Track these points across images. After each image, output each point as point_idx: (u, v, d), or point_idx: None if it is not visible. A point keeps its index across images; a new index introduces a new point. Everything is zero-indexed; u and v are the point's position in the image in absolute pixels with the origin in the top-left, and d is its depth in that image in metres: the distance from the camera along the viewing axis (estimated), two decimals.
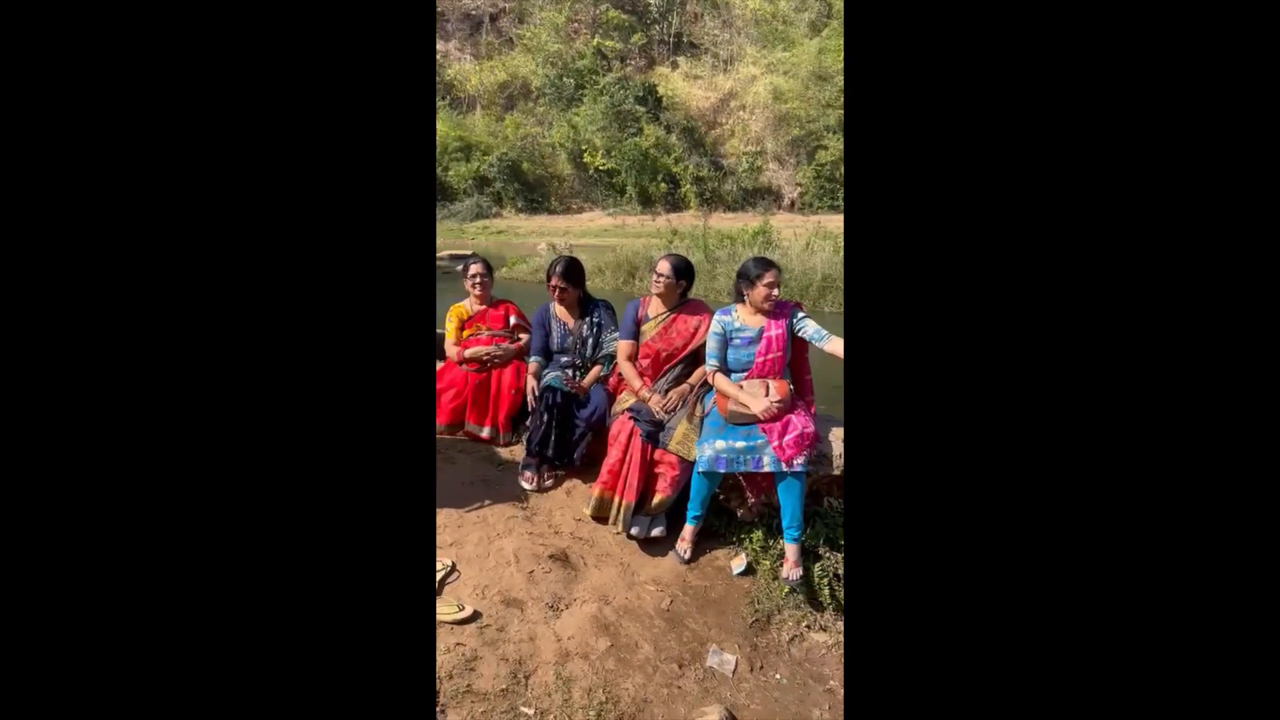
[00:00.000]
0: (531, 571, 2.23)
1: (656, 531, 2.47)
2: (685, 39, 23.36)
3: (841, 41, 18.22)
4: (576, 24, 24.80)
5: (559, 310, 2.94)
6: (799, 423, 2.28)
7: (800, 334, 2.45)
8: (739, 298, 2.51)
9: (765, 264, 2.45)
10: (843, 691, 2.02)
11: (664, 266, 2.64)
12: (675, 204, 20.09)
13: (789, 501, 2.28)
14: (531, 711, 1.77)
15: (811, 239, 11.03)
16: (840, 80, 16.82)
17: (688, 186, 19.15)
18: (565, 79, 23.67)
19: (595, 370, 2.84)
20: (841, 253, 10.03)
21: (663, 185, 20.33)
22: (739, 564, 2.41)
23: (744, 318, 2.49)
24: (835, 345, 2.36)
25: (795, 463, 2.23)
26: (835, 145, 15.81)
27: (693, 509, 2.41)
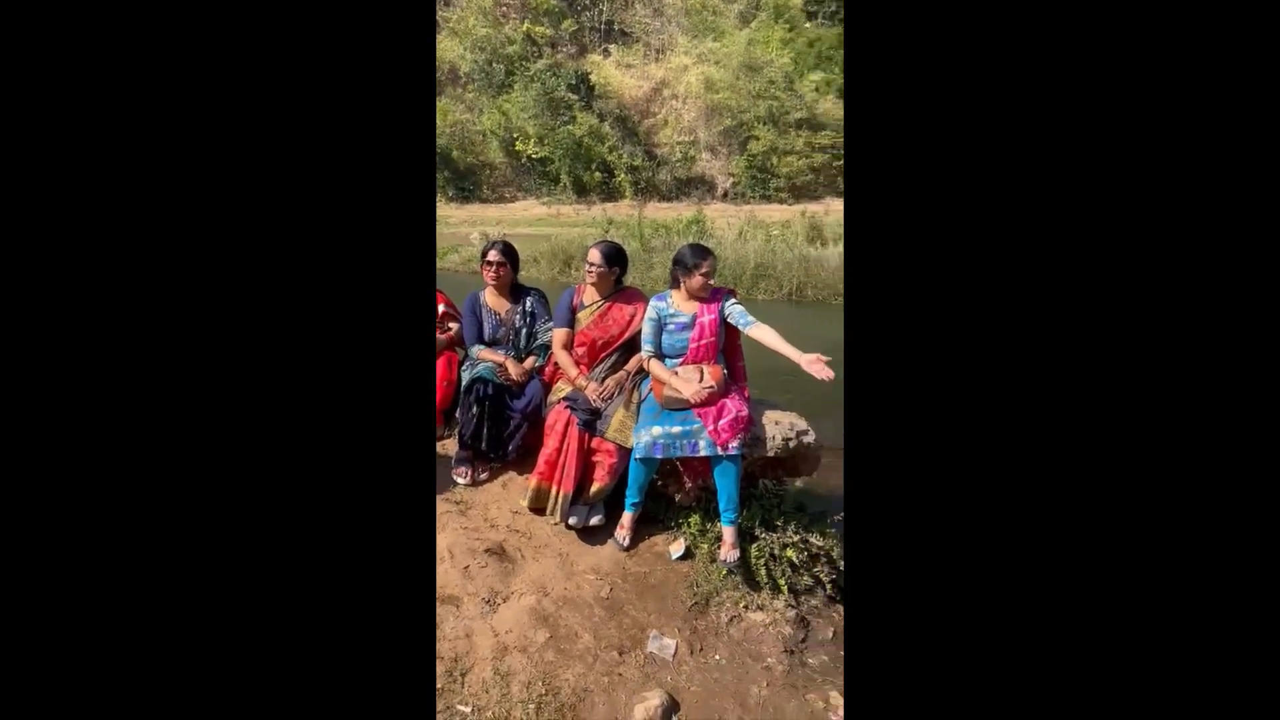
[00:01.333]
0: (467, 567, 2.17)
1: (595, 520, 2.46)
2: (616, 26, 23.21)
3: (770, 34, 18.53)
4: (505, 8, 24.21)
5: (490, 298, 2.86)
6: (733, 407, 2.31)
7: (729, 319, 2.47)
8: (674, 284, 2.51)
9: (702, 251, 2.46)
10: (780, 667, 2.07)
11: (594, 255, 2.61)
12: (610, 193, 19.99)
13: (725, 484, 2.31)
14: (469, 709, 1.73)
15: (744, 228, 11.20)
16: (769, 72, 17.11)
17: (622, 176, 19.09)
18: (495, 65, 23.07)
19: (530, 360, 2.79)
20: (772, 241, 10.24)
21: (597, 174, 20.18)
22: (678, 548, 2.42)
23: (679, 304, 2.50)
24: (760, 331, 2.40)
25: (730, 446, 2.25)
26: (766, 136, 16.11)
27: (631, 496, 2.41)
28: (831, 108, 16.99)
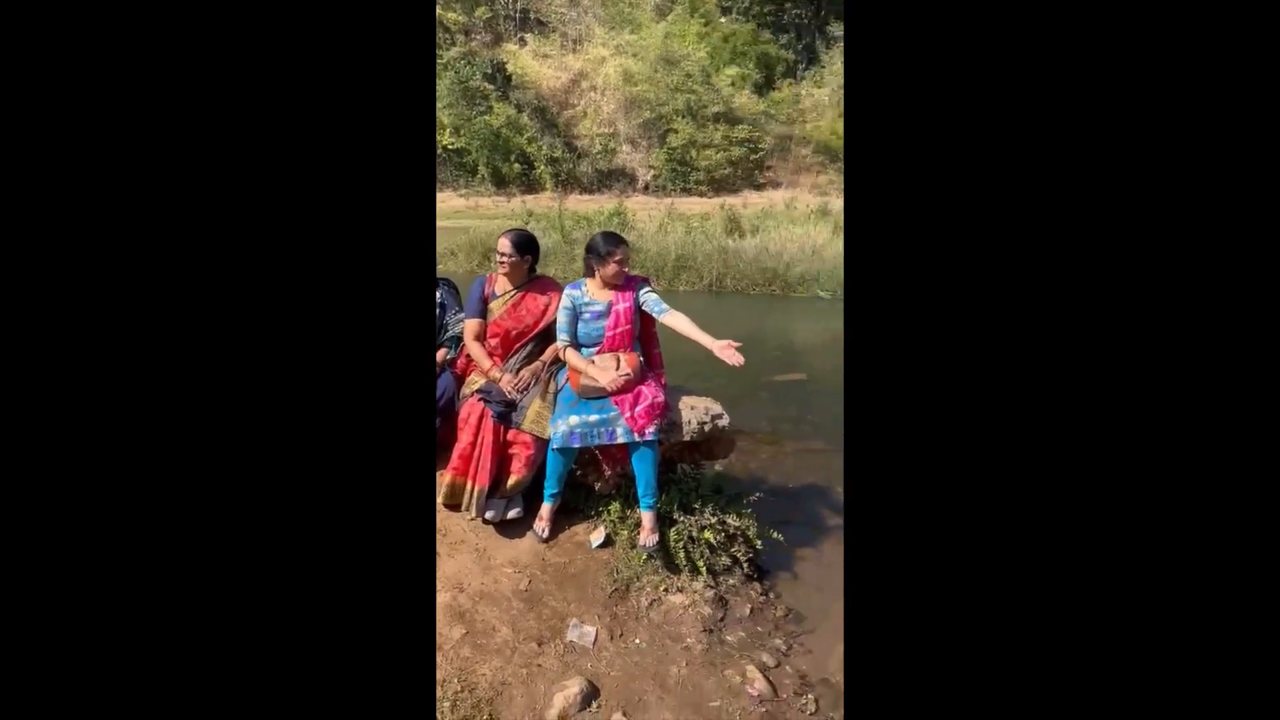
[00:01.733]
0: None
1: (513, 513, 2.42)
2: (532, 15, 22.79)
3: (686, 27, 18.73)
4: None
5: None
6: (649, 393, 2.33)
7: (644, 307, 2.49)
8: (589, 272, 2.50)
9: (614, 239, 2.45)
10: (699, 646, 2.11)
11: (504, 244, 2.56)
12: (530, 185, 19.65)
13: (643, 470, 2.32)
14: None
15: (665, 221, 11.31)
16: (687, 65, 17.29)
17: (542, 168, 18.81)
18: None
19: (441, 352, 2.70)
20: (692, 234, 10.39)
21: (516, 166, 19.77)
22: (597, 536, 2.42)
23: (593, 292, 2.49)
24: (674, 318, 2.43)
25: (647, 432, 2.27)
26: (685, 129, 16.28)
27: (550, 487, 2.39)
28: (747, 102, 17.38)
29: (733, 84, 17.73)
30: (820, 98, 17.55)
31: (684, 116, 16.63)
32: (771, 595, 2.52)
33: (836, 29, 17.84)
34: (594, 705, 1.83)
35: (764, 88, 18.46)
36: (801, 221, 11.19)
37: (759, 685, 1.97)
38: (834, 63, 17.65)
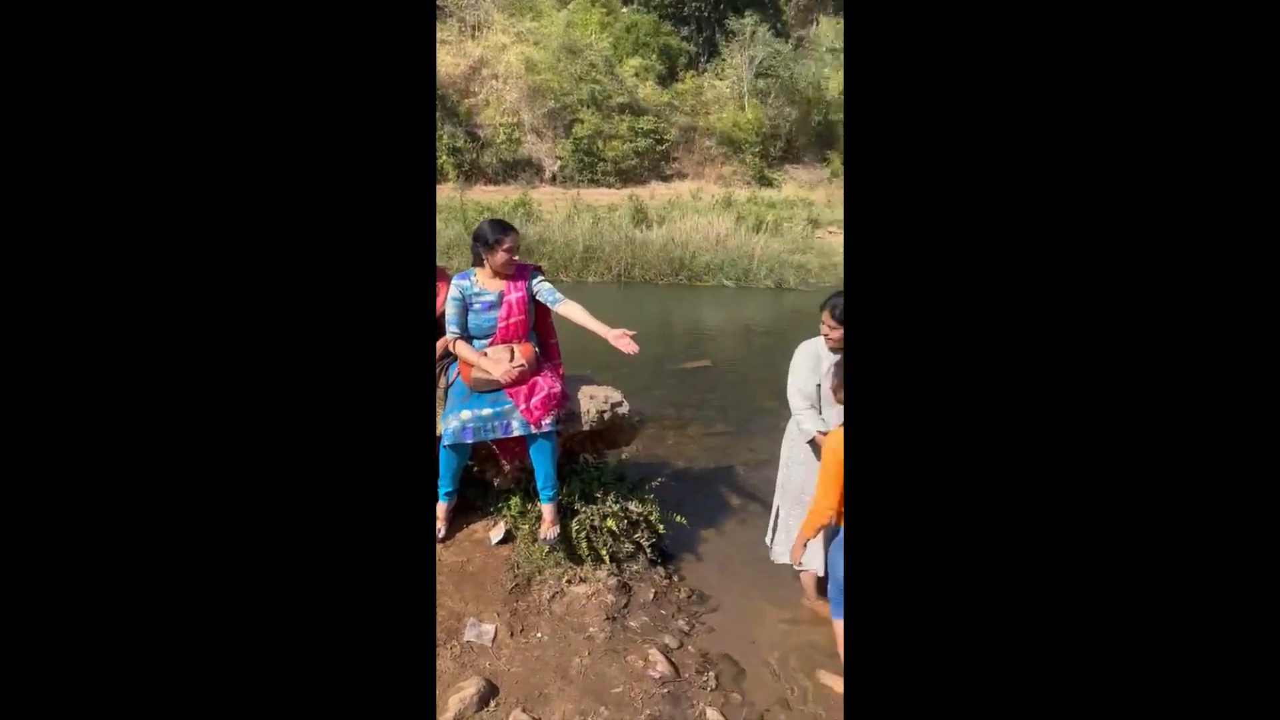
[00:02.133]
0: None
1: None
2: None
3: (588, 16, 18.55)
4: None
5: None
6: (545, 384, 2.29)
7: (537, 297, 2.44)
8: (477, 261, 2.42)
9: (503, 227, 2.38)
10: (602, 635, 2.11)
11: None
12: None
13: (542, 462, 2.29)
14: None
15: (572, 211, 11.20)
16: (590, 55, 17.15)
17: (445, 157, 18.18)
18: None
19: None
20: (600, 224, 10.35)
21: None
22: (497, 533, 2.37)
23: (483, 282, 2.41)
24: (568, 308, 2.40)
25: (544, 423, 2.23)
26: (590, 119, 16.16)
27: (443, 485, 2.30)
28: (651, 93, 17.46)
29: (636, 75, 17.75)
30: (722, 90, 17.89)
31: (589, 107, 16.51)
32: (675, 578, 2.56)
33: (734, 22, 18.23)
34: (492, 704, 1.79)
35: (667, 79, 18.60)
36: (706, 212, 11.39)
37: (661, 667, 2.00)
38: (733, 55, 18.03)
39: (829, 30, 20.11)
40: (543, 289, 2.44)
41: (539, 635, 2.06)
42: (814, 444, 2.24)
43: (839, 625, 1.93)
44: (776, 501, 2.49)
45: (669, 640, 2.15)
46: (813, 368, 2.25)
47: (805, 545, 1.96)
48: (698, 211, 11.41)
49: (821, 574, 2.31)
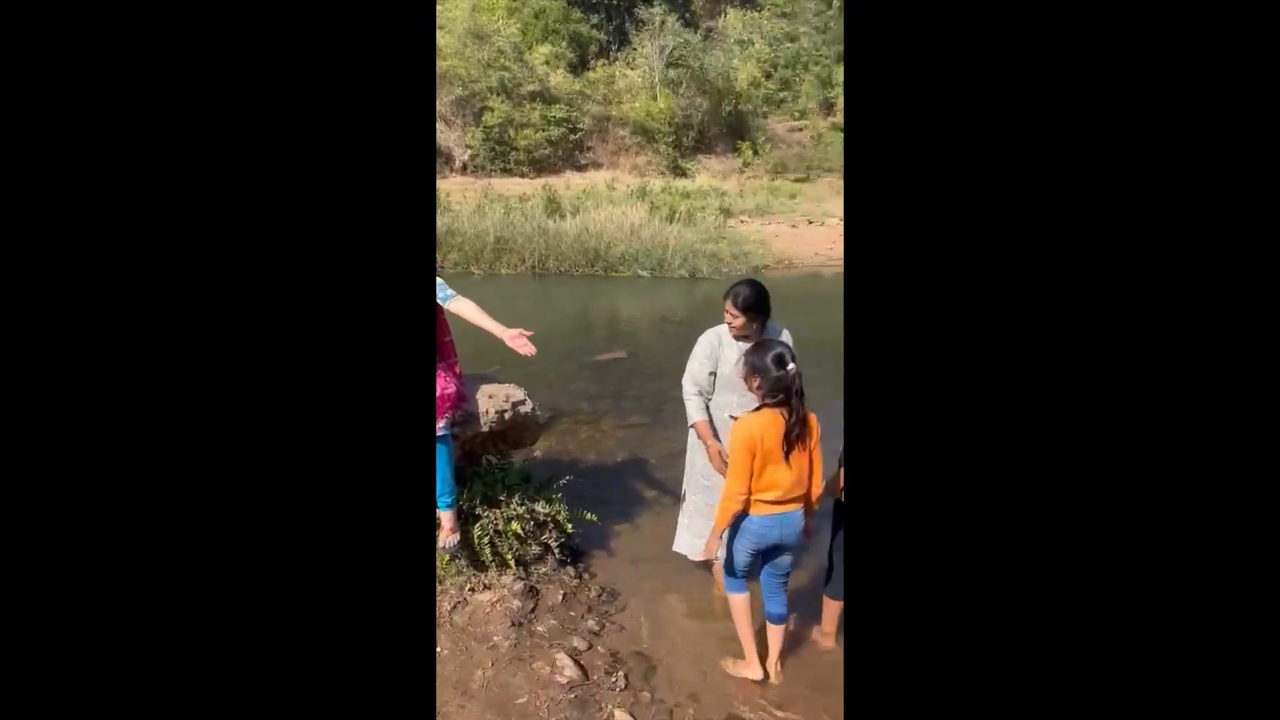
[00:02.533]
0: None
1: None
2: None
3: (495, 1, 18.02)
4: None
5: None
6: (438, 385, 2.17)
7: None
8: None
9: None
10: (506, 643, 2.03)
11: None
12: None
13: (438, 467, 2.17)
14: None
15: (483, 201, 10.89)
16: (498, 41, 16.66)
17: None
18: None
19: None
20: (511, 215, 10.10)
21: None
22: None
23: None
24: (459, 305, 2.28)
25: (437, 427, 2.12)
26: (500, 108, 15.72)
27: None
28: (563, 81, 17.17)
29: (547, 62, 17.41)
30: (634, 79, 17.84)
31: (498, 94, 16.06)
32: (585, 576, 2.51)
33: (644, 11, 18.19)
34: None
35: (579, 68, 18.36)
36: (621, 202, 11.34)
37: (569, 672, 1.94)
38: (644, 45, 18.00)
39: (736, 22, 20.45)
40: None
41: (439, 650, 1.96)
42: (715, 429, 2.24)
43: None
44: (684, 488, 2.48)
45: (577, 643, 2.10)
46: (708, 354, 2.25)
47: (721, 537, 1.95)
48: (612, 201, 11.34)
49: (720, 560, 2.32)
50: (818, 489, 1.92)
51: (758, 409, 1.85)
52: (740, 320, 2.15)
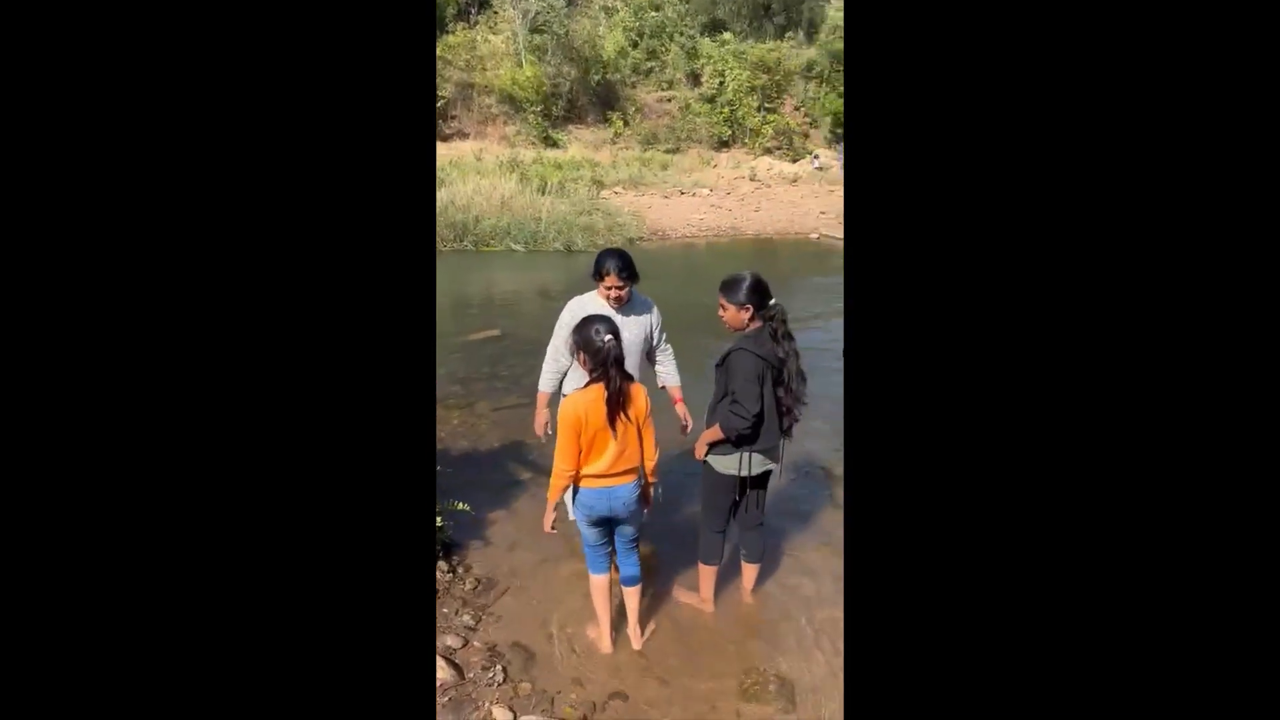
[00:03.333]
0: None
1: None
2: None
3: None
4: None
5: None
6: None
7: None
8: None
9: None
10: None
11: None
12: None
13: None
14: None
15: None
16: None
17: None
18: None
19: None
20: None
21: None
22: None
23: None
24: None
25: None
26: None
27: None
28: None
29: None
30: (497, 45, 17.05)
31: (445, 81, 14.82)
32: (459, 570, 2.39)
33: None
34: None
35: (437, 30, 17.29)
36: (490, 173, 10.87)
37: (443, 674, 1.83)
38: (505, 8, 17.23)
39: None
40: None
41: None
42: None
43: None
44: None
45: (451, 641, 1.99)
46: (570, 324, 2.18)
47: (554, 510, 1.90)
48: (480, 173, 10.85)
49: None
50: (651, 460, 1.92)
51: (587, 385, 1.82)
52: (627, 289, 2.16)
